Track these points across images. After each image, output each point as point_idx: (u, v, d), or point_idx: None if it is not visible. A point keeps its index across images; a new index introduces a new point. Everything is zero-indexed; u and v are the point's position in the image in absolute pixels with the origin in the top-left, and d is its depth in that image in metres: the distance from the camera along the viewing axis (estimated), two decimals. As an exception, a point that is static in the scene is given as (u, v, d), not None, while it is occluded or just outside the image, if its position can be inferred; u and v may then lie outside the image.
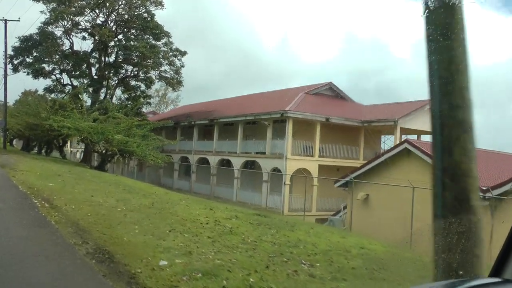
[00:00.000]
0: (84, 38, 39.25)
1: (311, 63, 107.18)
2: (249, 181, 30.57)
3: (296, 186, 27.84)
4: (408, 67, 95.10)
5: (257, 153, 30.18)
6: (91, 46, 39.73)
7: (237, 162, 31.13)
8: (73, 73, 39.75)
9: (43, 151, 44.25)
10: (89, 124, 24.84)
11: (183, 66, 37.91)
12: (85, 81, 40.16)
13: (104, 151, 27.12)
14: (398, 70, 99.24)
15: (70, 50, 38.84)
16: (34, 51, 38.26)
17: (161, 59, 36.11)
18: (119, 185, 17.06)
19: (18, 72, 38.02)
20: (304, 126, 28.07)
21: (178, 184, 38.50)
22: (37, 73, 37.91)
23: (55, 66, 39.45)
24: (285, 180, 26.91)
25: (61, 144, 35.66)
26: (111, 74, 40.06)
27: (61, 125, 26.01)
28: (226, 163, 34.17)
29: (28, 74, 36.94)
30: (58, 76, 40.08)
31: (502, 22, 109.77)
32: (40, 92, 39.75)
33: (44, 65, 37.42)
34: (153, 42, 36.86)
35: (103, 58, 39.06)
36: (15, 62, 37.90)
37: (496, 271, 2.01)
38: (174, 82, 37.24)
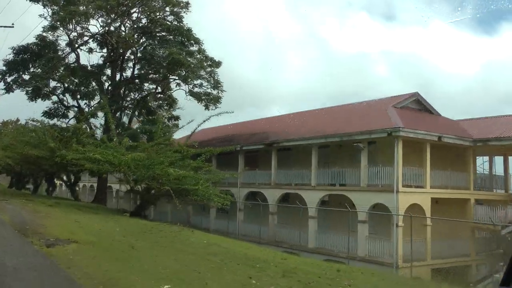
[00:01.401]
0: (90, 50, 31.85)
1: (288, 86, 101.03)
2: (331, 222, 23.36)
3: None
4: (390, 85, 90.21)
5: (342, 184, 23.04)
6: (100, 60, 32.41)
7: (312, 197, 23.87)
8: (78, 92, 32.23)
9: (40, 189, 36.23)
10: (133, 156, 17.30)
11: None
12: (93, 102, 32.78)
13: (145, 191, 19.55)
14: (378, 89, 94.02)
15: (76, 64, 31.36)
16: (31, 65, 30.68)
17: (195, 69, 28.88)
18: (240, 257, 9.68)
19: (12, 92, 30.25)
20: (409, 148, 21.17)
21: (216, 224, 30.93)
22: (37, 93, 30.25)
23: (58, 84, 31.89)
24: (397, 220, 19.77)
25: (72, 182, 27.74)
26: (127, 93, 32.64)
27: (85, 158, 18.55)
28: (284, 199, 26.93)
29: (27, 93, 29.22)
30: (60, 96, 32.50)
31: (475, 41, 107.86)
32: (38, 117, 31.63)
33: (45, 81, 29.75)
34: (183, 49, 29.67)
35: (118, 73, 31.68)
36: (8, 79, 30.16)
37: (506, 280, 1.97)
38: (211, 98, 29.94)
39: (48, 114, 32.07)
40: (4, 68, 29.79)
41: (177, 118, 31.89)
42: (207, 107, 31.07)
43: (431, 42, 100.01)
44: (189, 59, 28.28)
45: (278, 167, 26.67)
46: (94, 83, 32.37)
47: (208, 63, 30.37)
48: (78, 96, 32.36)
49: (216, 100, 30.24)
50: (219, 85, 29.80)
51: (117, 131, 25.93)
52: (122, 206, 41.38)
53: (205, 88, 30.10)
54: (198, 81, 29.99)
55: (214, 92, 30.08)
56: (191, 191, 18.28)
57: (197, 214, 33.32)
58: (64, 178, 28.52)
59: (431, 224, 20.76)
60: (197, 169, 20.54)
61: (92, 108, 29.99)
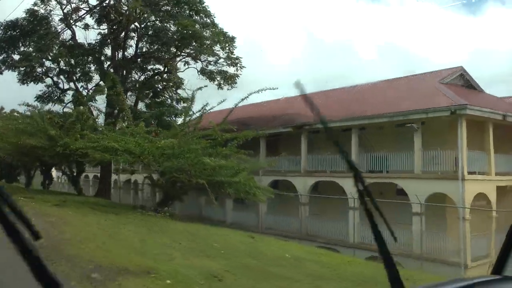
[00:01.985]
0: (86, 26, 28.32)
1: (271, 68, 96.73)
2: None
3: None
4: (376, 68, 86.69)
5: (388, 171, 20.29)
6: (98, 37, 28.86)
7: (352, 186, 21.06)
8: (75, 74, 28.81)
9: (34, 181, 32.88)
10: (165, 143, 14.28)
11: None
12: (90, 85, 29.44)
13: (170, 184, 16.48)
14: (365, 72, 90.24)
15: (71, 42, 27.86)
16: (21, 43, 27.14)
17: (211, 43, 25.69)
18: (358, 279, 6.83)
19: (1, 74, 26.77)
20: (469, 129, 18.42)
21: (234, 217, 28.06)
22: (29, 75, 26.79)
23: (52, 66, 28.37)
24: (464, 213, 17.09)
25: (75, 174, 24.52)
26: (129, 74, 29.23)
27: (94, 147, 15.51)
28: (313, 188, 24.18)
29: (19, 73, 25.79)
30: (54, 78, 29.01)
31: (461, 21, 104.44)
32: (32, 102, 27.94)
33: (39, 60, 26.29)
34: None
35: (119, 51, 28.22)
36: (-4, 60, 26.64)
37: (497, 268, 1.99)
38: (227, 77, 26.80)
39: (42, 98, 28.71)
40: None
41: (186, 100, 28.66)
42: (220, 87, 27.95)
43: (416, 23, 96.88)
44: (206, 29, 25.10)
45: (310, 153, 23.85)
46: (92, 64, 29.06)
47: (221, 38, 27.11)
48: (75, 78, 29.04)
49: (232, 79, 27.10)
50: (238, 61, 26.58)
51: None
52: (123, 198, 38.30)
53: (220, 66, 26.90)
54: (212, 58, 26.75)
55: (231, 69, 26.92)
56: (227, 183, 15.32)
57: (210, 205, 30.39)
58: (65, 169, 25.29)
59: (497, 216, 18.20)
60: (228, 157, 17.58)
61: (92, 89, 26.68)
